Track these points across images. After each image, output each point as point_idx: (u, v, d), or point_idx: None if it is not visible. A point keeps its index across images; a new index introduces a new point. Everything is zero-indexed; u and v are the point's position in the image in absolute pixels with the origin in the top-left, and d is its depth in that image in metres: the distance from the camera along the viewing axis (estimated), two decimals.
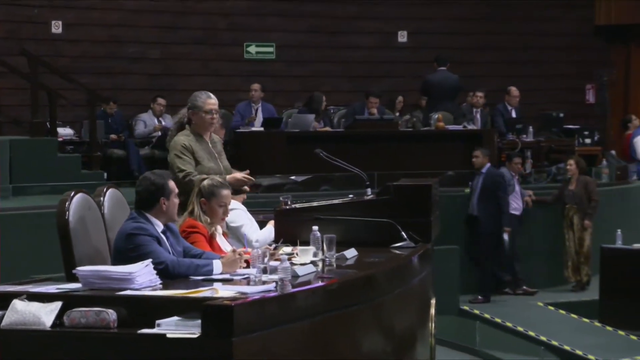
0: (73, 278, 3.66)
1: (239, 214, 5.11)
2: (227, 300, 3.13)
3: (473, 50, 12.86)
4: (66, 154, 9.25)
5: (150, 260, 3.64)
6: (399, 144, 9.68)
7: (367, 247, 4.53)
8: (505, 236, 8.71)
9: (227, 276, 3.87)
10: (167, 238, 4.05)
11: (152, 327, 3.17)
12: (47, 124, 9.26)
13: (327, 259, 4.14)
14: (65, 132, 9.85)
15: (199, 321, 3.08)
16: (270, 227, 5.07)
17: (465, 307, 8.49)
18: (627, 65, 13.63)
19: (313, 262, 4.06)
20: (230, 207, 4.62)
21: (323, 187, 8.81)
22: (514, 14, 13.17)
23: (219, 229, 4.56)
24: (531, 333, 7.89)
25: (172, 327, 3.14)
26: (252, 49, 12.14)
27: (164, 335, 3.11)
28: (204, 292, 3.38)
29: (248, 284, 3.61)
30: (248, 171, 5.09)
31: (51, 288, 3.52)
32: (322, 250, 4.18)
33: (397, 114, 11.36)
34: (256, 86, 10.48)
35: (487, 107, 10.96)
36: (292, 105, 11.14)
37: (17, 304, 3.31)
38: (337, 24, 12.42)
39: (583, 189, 9.16)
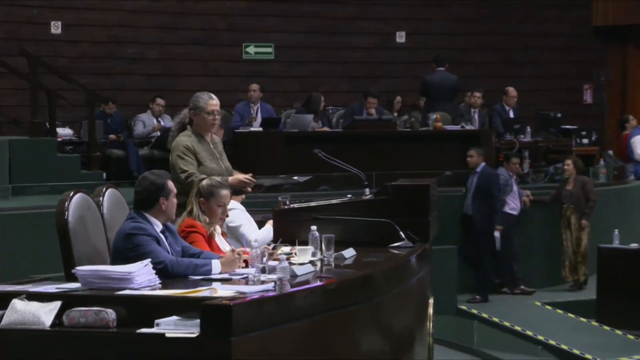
0: (72, 278, 3.67)
1: (237, 213, 5.12)
2: (226, 300, 3.14)
3: (471, 50, 12.88)
4: (65, 154, 9.26)
5: (149, 260, 3.65)
6: (397, 144, 9.70)
7: (366, 247, 4.54)
8: (497, 234, 8.71)
9: (225, 276, 3.88)
10: (166, 238, 4.05)
11: (151, 326, 3.17)
12: (47, 124, 9.28)
13: (325, 259, 4.15)
14: (64, 132, 9.86)
15: (198, 321, 3.09)
16: (268, 227, 5.08)
17: (463, 307, 8.50)
18: (624, 66, 13.66)
19: (311, 262, 4.07)
20: (229, 207, 4.64)
21: (321, 187, 8.82)
22: (512, 14, 13.20)
23: (218, 229, 4.56)
24: (529, 332, 7.91)
25: (171, 327, 3.14)
26: (251, 49, 12.15)
27: (163, 334, 3.11)
28: (202, 291, 3.39)
29: (247, 283, 3.61)
30: (251, 174, 5.09)
31: (50, 288, 3.53)
32: (321, 250, 4.18)
33: (396, 114, 11.37)
34: (255, 86, 10.49)
35: (484, 107, 10.98)
36: (290, 105, 11.16)
37: (17, 304, 3.32)
38: (335, 24, 12.44)
39: (580, 189, 9.18)
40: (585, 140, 11.54)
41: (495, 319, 8.17)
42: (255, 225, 5.21)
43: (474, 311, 8.39)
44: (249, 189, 5.14)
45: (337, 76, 12.36)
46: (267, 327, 3.21)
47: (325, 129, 10.07)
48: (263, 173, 8.63)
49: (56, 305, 3.31)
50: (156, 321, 3.18)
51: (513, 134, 10.52)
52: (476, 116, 10.64)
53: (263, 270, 3.62)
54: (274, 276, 3.47)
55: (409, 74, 12.29)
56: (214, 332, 3.05)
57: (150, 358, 3.13)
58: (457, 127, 10.07)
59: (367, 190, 5.15)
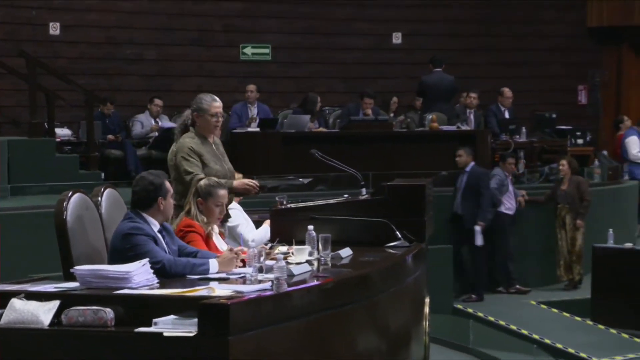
0: (71, 277, 3.68)
1: (235, 213, 5.15)
2: (223, 299, 3.14)
3: (467, 51, 12.92)
4: (64, 154, 9.28)
5: (147, 259, 3.66)
6: (393, 145, 9.72)
7: (362, 247, 4.56)
8: (477, 228, 8.73)
9: (223, 275, 3.89)
10: (163, 237, 4.06)
11: (149, 325, 3.18)
12: (45, 124, 9.30)
13: (322, 258, 4.17)
14: (63, 132, 9.88)
15: (196, 320, 3.10)
16: (266, 226, 5.11)
17: (459, 306, 8.53)
18: (619, 67, 13.69)
19: (308, 262, 4.08)
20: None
21: (318, 187, 8.85)
22: (507, 16, 13.23)
23: (216, 229, 4.56)
24: (524, 331, 7.93)
25: (169, 326, 3.15)
26: (248, 50, 12.18)
27: (161, 333, 3.12)
28: (200, 291, 3.40)
29: (244, 283, 3.62)
30: (257, 183, 5.11)
31: (49, 287, 3.54)
32: (318, 249, 4.20)
33: (392, 114, 11.40)
34: (252, 87, 10.52)
35: (480, 108, 11.02)
36: (287, 106, 11.18)
37: (16, 303, 3.33)
38: (332, 25, 12.47)
39: (575, 189, 9.22)
40: (580, 141, 11.58)
41: (491, 318, 8.19)
42: (252, 225, 5.24)
43: (470, 310, 8.41)
44: (254, 193, 5.15)
45: (333, 77, 12.39)
46: (265, 326, 3.22)
47: (322, 129, 10.10)
48: (260, 173, 8.65)
49: (55, 304, 3.32)
50: (154, 320, 3.19)
51: (508, 135, 10.55)
52: (472, 117, 10.67)
53: (260, 270, 3.63)
54: (271, 275, 3.47)
55: (405, 75, 12.33)
56: (212, 331, 3.06)
57: (148, 357, 3.14)
58: (453, 128, 10.11)
59: (363, 190, 5.18)
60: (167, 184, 4.13)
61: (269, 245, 4.49)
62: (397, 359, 4.49)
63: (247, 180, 5.08)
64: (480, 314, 8.30)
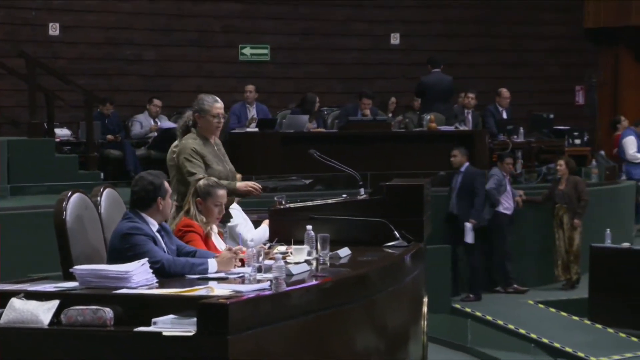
0: (70, 277, 3.69)
1: (234, 213, 5.16)
2: (222, 299, 3.15)
3: (464, 52, 12.94)
4: (63, 154, 9.29)
5: (146, 259, 3.67)
6: (391, 145, 9.74)
7: (361, 246, 4.57)
8: (468, 225, 8.75)
9: (222, 275, 3.90)
10: (162, 237, 4.07)
11: (149, 325, 3.19)
12: (45, 124, 9.32)
13: (321, 258, 4.18)
14: (62, 132, 9.90)
15: (195, 319, 3.11)
16: (265, 226, 5.13)
17: (457, 305, 8.55)
18: (616, 67, 13.72)
19: (307, 261, 4.10)
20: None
21: (317, 187, 8.87)
22: (504, 17, 13.25)
23: (215, 229, 4.58)
24: (522, 331, 7.94)
25: (168, 325, 3.16)
26: (247, 50, 12.20)
27: (160, 333, 3.13)
28: (199, 290, 3.41)
29: (243, 282, 3.64)
30: (260, 186, 5.12)
31: (49, 286, 3.55)
32: (316, 249, 4.21)
33: (390, 115, 11.42)
34: (250, 87, 10.54)
35: (478, 108, 11.05)
36: (286, 106, 11.21)
37: (15, 303, 3.34)
38: (330, 26, 12.49)
39: (573, 189, 9.24)
40: (577, 141, 11.61)
41: (489, 318, 8.20)
42: (251, 224, 5.25)
43: (468, 310, 8.43)
44: (257, 194, 5.17)
45: (332, 77, 12.41)
46: (263, 326, 3.23)
47: (321, 129, 10.11)
48: (259, 173, 8.68)
49: (54, 304, 3.33)
50: (153, 320, 3.20)
51: (506, 135, 10.58)
52: (470, 117, 10.70)
53: (259, 269, 3.64)
54: (269, 275, 3.48)
55: (403, 75, 12.36)
56: (211, 330, 3.07)
57: (148, 356, 3.15)
58: (451, 128, 10.13)
59: (362, 190, 5.18)
60: (166, 184, 4.14)
61: (268, 245, 4.50)
62: (395, 358, 4.51)
63: (250, 183, 5.10)
64: (478, 314, 8.31)
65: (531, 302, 8.79)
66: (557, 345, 7.68)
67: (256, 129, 9.78)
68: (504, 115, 10.94)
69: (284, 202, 5.06)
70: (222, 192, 4.53)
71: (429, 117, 10.03)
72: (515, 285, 9.16)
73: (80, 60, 11.20)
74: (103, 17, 11.35)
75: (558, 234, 9.29)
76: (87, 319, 3.28)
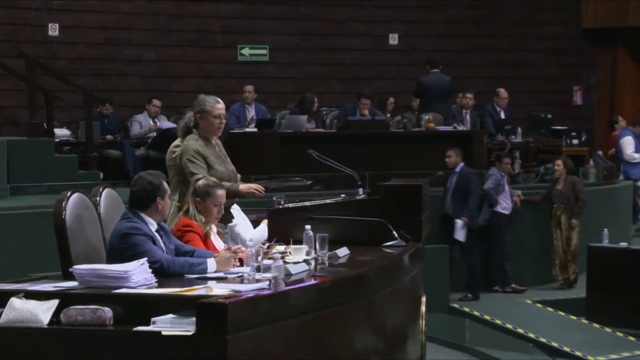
0: (70, 276, 3.70)
1: (233, 213, 5.19)
2: (221, 298, 3.16)
3: (463, 52, 12.96)
4: (63, 154, 9.31)
5: (145, 259, 3.68)
6: (390, 145, 9.76)
7: (359, 246, 4.58)
8: (459, 222, 8.76)
9: (221, 274, 3.91)
10: (161, 237, 4.09)
11: (148, 324, 3.20)
12: (44, 125, 9.34)
13: (319, 258, 4.19)
14: (62, 133, 9.92)
15: (194, 319, 3.12)
16: (263, 226, 5.13)
17: (455, 305, 8.58)
18: (614, 67, 13.74)
19: (306, 261, 4.10)
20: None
21: (315, 187, 8.89)
22: (504, 17, 13.27)
23: (214, 228, 4.59)
24: (520, 330, 7.96)
25: (167, 325, 3.17)
26: (246, 51, 12.22)
27: (159, 332, 3.14)
28: (198, 290, 3.42)
29: (242, 282, 3.64)
30: (262, 188, 5.14)
31: (48, 286, 3.55)
32: (315, 249, 4.22)
33: (389, 115, 11.44)
34: (250, 88, 10.56)
35: (476, 108, 11.07)
36: (285, 106, 11.23)
37: (15, 302, 3.35)
38: (329, 26, 12.51)
39: (570, 189, 9.26)
40: (575, 141, 11.63)
41: (487, 317, 8.22)
42: (250, 224, 5.27)
43: (466, 309, 8.45)
44: (259, 196, 5.19)
45: (331, 77, 12.42)
46: (262, 325, 3.24)
47: (320, 129, 10.13)
48: (258, 173, 8.70)
49: (54, 303, 3.34)
50: (152, 319, 3.21)
51: (504, 135, 10.60)
52: (468, 117, 10.71)
53: (258, 269, 3.65)
54: (268, 275, 3.50)
55: (402, 76, 12.38)
56: (210, 330, 3.08)
57: (147, 356, 3.16)
58: (449, 128, 10.15)
59: (360, 190, 5.19)
60: (165, 185, 4.15)
61: (267, 244, 4.51)
62: (393, 357, 4.51)
63: (253, 185, 5.12)
64: (476, 313, 8.33)
65: (529, 301, 8.81)
66: (554, 344, 7.70)
67: (255, 129, 9.80)
68: (502, 116, 10.96)
69: (282, 202, 5.07)
70: (221, 192, 4.54)
71: (427, 117, 10.06)
72: (513, 285, 9.18)
73: (80, 60, 11.21)
74: (103, 17, 11.36)
75: (556, 234, 9.32)
76: (86, 318, 3.29)
